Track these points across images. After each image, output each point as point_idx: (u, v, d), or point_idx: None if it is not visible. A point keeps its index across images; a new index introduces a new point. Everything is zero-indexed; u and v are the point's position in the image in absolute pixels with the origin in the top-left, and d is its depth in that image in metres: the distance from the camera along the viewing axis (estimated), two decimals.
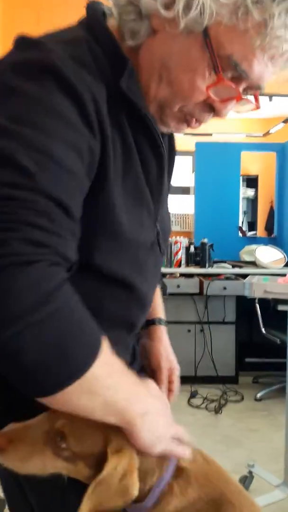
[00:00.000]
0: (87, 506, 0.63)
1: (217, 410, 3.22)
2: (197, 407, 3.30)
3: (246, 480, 2.30)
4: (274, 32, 0.61)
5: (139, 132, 0.72)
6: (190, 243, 3.86)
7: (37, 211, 0.53)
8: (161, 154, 0.76)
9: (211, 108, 0.71)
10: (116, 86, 0.67)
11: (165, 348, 1.02)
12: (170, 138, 0.88)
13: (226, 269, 3.73)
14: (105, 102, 0.64)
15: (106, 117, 0.64)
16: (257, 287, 2.12)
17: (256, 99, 0.73)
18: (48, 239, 0.54)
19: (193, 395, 3.44)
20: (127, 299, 0.71)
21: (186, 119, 0.73)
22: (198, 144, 4.36)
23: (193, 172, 4.57)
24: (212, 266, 3.74)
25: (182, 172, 4.90)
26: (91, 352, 0.57)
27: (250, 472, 2.30)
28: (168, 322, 3.78)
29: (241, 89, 0.69)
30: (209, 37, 0.63)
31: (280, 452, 2.32)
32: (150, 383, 0.75)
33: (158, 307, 1.04)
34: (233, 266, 3.80)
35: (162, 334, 1.03)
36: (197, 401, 3.38)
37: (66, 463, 0.66)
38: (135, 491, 0.65)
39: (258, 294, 2.12)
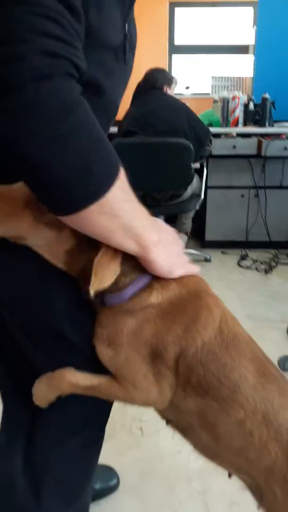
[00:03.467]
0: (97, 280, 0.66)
1: (267, 271, 3.23)
2: (247, 267, 3.32)
3: None
4: None
5: None
6: (249, 100, 3.56)
7: (49, 18, 0.50)
8: None
9: None
10: None
11: None
12: None
13: (287, 128, 3.45)
14: None
15: None
16: None
17: None
18: (64, 50, 0.52)
19: (243, 257, 3.45)
20: (96, 106, 0.64)
21: None
22: None
23: (254, 26, 4.06)
24: (272, 126, 3.47)
25: (239, 27, 4.37)
26: (112, 171, 0.58)
27: None
28: (221, 187, 3.67)
29: None
30: None
31: None
32: (158, 219, 0.75)
33: None
34: None
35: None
36: (247, 262, 3.40)
37: (46, 229, 0.66)
38: (116, 271, 0.67)
39: None
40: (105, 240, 0.64)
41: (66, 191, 0.55)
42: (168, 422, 0.85)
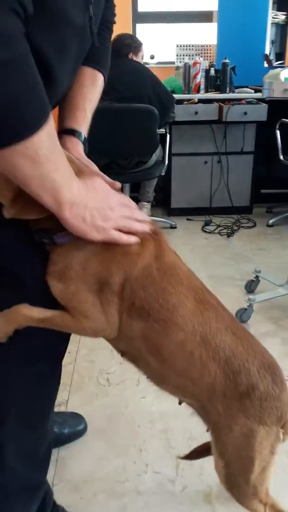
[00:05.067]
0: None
1: (230, 234, 3.35)
2: (211, 232, 3.42)
3: (253, 283, 2.48)
4: None
5: None
6: (211, 65, 3.59)
7: None
8: None
9: None
10: None
11: (82, 156, 0.92)
12: None
13: (247, 94, 3.52)
14: None
15: None
16: (277, 86, 2.01)
17: None
18: None
19: (207, 223, 3.55)
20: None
21: None
22: None
23: None
24: (233, 92, 3.53)
25: None
26: (42, 114, 0.58)
27: (257, 277, 2.47)
28: (184, 154, 3.73)
29: None
30: None
31: (287, 265, 2.45)
32: (96, 178, 0.75)
33: (82, 117, 0.91)
34: (256, 91, 3.56)
35: (78, 146, 0.92)
36: (211, 227, 3.50)
37: None
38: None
39: (277, 93, 2.01)
40: (23, 186, 0.64)
41: None
42: (122, 354, 0.92)
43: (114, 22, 1.00)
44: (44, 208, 0.69)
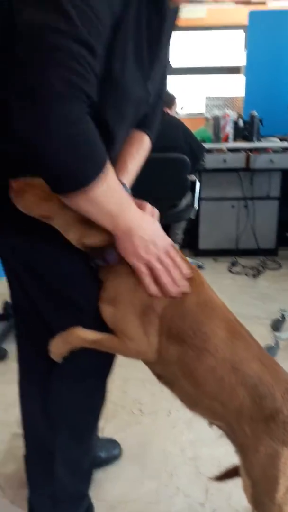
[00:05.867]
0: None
1: (255, 275, 3.47)
2: (237, 273, 3.56)
3: (279, 322, 2.58)
4: None
5: (151, 2, 0.82)
6: (239, 117, 3.83)
7: (72, 58, 0.69)
8: (163, 21, 0.85)
9: None
10: None
11: None
12: (175, 13, 0.96)
13: (274, 143, 3.72)
14: None
15: None
16: None
17: None
18: (78, 82, 0.70)
19: (233, 263, 3.69)
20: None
21: None
22: (252, 14, 4.10)
23: (245, 49, 4.36)
24: (260, 141, 3.74)
25: (232, 49, 4.68)
26: (99, 168, 0.77)
27: (283, 316, 2.58)
28: (213, 199, 3.94)
29: None
30: None
31: None
32: (146, 205, 0.94)
33: (125, 173, 1.09)
34: (282, 140, 3.78)
35: None
36: (237, 268, 3.63)
37: (67, 211, 0.86)
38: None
39: None
40: (88, 216, 0.83)
41: (58, 177, 0.76)
42: (159, 377, 1.04)
43: (165, 92, 1.21)
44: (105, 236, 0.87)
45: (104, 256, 0.93)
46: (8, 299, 1.09)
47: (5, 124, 0.73)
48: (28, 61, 0.69)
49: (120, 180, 1.10)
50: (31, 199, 0.88)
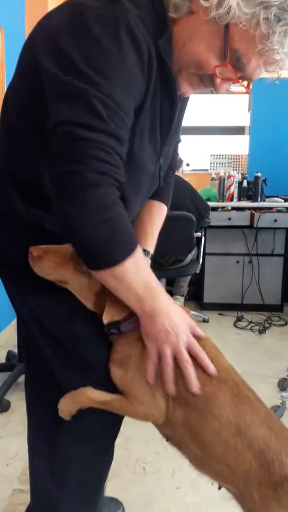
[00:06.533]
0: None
1: (261, 331, 3.47)
2: (243, 328, 3.56)
3: (285, 381, 2.55)
4: (272, 45, 0.81)
5: (164, 86, 0.91)
6: (243, 178, 3.99)
7: (102, 149, 0.77)
8: (174, 107, 0.95)
9: (211, 82, 0.90)
10: (155, 44, 0.86)
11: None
12: (185, 98, 1.07)
13: (277, 202, 3.85)
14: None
15: (152, 68, 0.85)
16: None
17: (248, 86, 0.96)
18: (108, 169, 0.78)
19: (239, 318, 3.70)
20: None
21: (193, 83, 0.92)
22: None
23: (249, 111, 4.61)
24: (264, 200, 3.87)
25: (237, 111, 4.96)
26: (128, 249, 0.82)
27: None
28: (218, 254, 4.05)
29: (237, 76, 0.88)
30: (228, 30, 0.82)
31: None
32: (183, 312, 0.98)
33: (150, 239, 1.16)
34: (285, 200, 3.91)
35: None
36: (242, 323, 3.64)
37: (82, 276, 0.93)
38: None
39: None
40: (114, 293, 0.88)
41: (90, 255, 0.83)
42: (168, 439, 1.04)
43: (177, 166, 1.32)
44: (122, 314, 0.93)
45: (119, 327, 0.97)
46: (12, 348, 1.12)
47: (48, 201, 0.83)
48: (64, 153, 0.78)
49: (145, 249, 1.17)
50: (48, 264, 0.94)
